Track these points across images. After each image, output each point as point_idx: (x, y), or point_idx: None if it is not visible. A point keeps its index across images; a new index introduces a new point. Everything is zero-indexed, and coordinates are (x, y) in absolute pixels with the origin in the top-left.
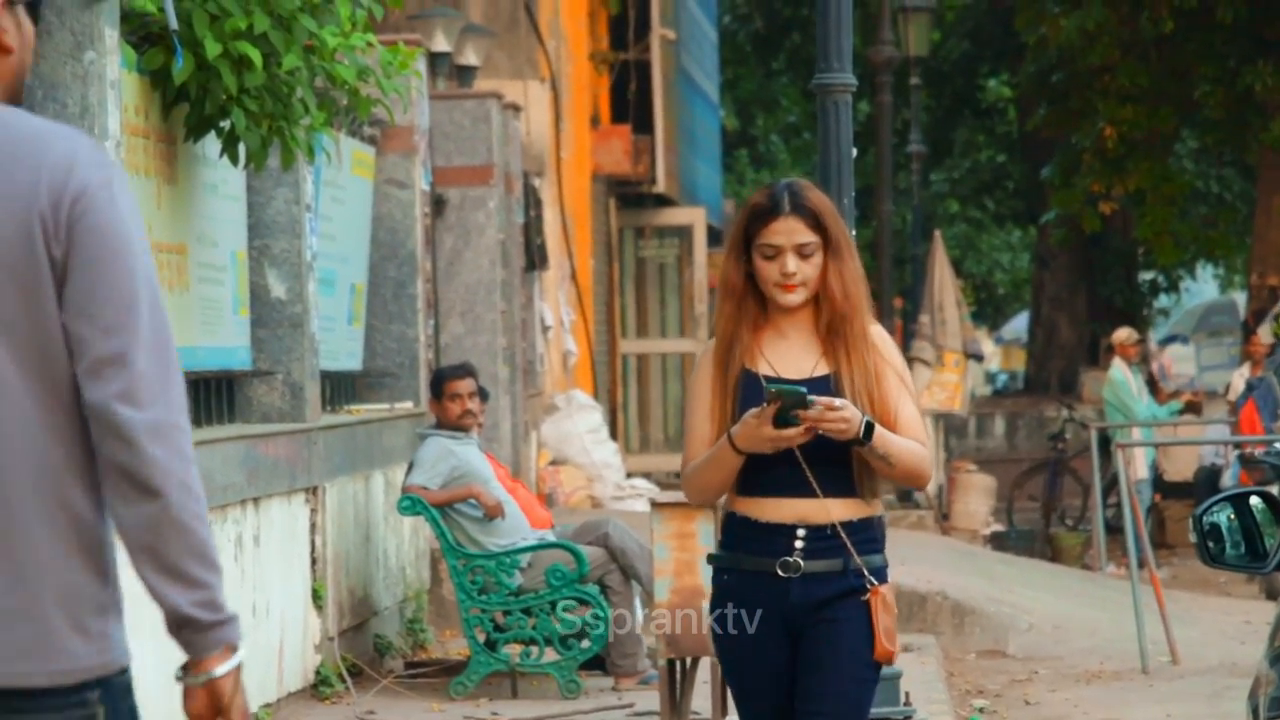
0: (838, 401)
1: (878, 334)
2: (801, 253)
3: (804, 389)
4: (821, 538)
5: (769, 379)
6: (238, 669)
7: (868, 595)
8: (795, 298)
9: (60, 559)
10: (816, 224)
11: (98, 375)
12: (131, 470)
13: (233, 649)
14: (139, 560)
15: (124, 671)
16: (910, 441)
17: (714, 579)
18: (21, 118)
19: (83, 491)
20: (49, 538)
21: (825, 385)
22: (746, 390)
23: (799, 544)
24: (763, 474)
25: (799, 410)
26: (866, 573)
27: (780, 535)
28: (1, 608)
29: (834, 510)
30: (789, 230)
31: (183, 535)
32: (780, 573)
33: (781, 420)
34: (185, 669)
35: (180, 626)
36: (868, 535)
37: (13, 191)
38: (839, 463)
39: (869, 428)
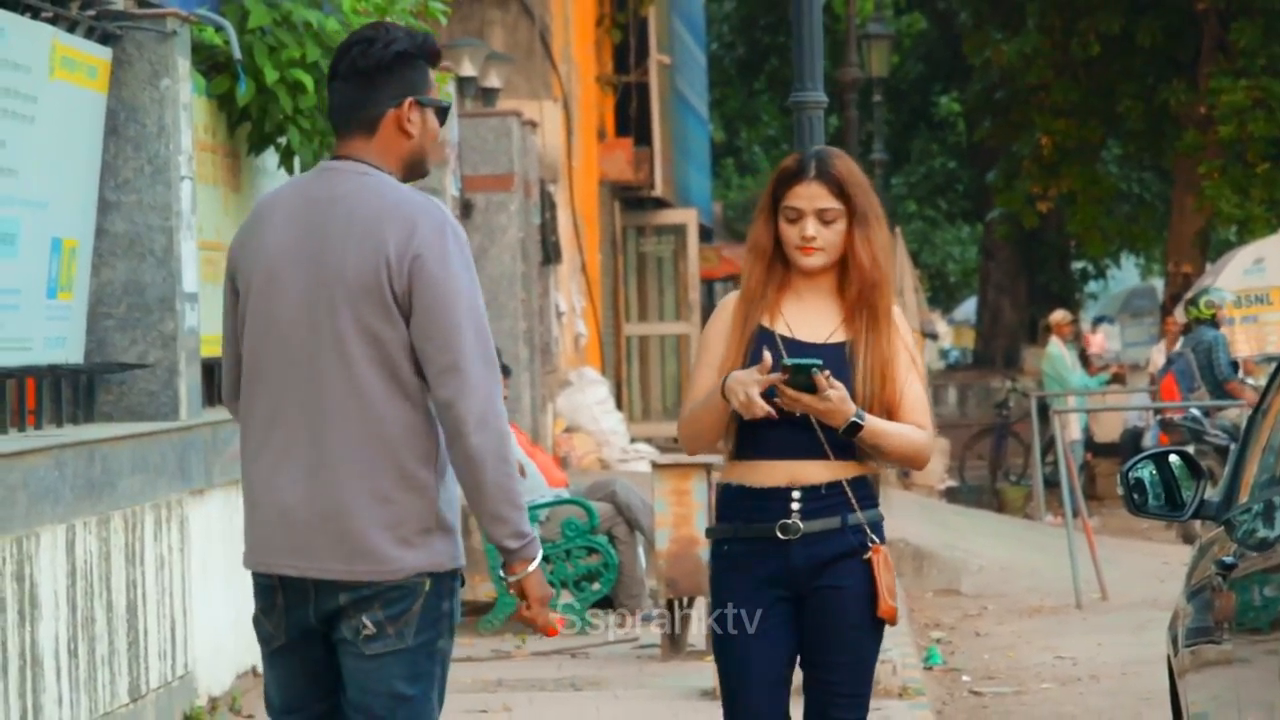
0: (834, 394)
1: (894, 313)
2: (823, 218)
3: (819, 362)
4: (816, 497)
5: (791, 349)
6: (536, 571)
7: (869, 554)
8: (813, 261)
9: (386, 497)
10: (840, 192)
11: (440, 381)
12: (463, 448)
13: (530, 561)
14: (472, 504)
15: (449, 574)
16: (907, 427)
17: (712, 552)
18: (395, 189)
19: (409, 455)
20: (386, 483)
21: (840, 352)
22: (759, 346)
23: (795, 505)
24: (756, 436)
25: (819, 377)
26: (869, 529)
27: (776, 499)
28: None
29: (838, 470)
30: (811, 195)
31: (498, 491)
32: (780, 535)
33: (793, 388)
34: (506, 572)
35: (501, 549)
36: (864, 492)
37: (373, 245)
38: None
39: (854, 426)
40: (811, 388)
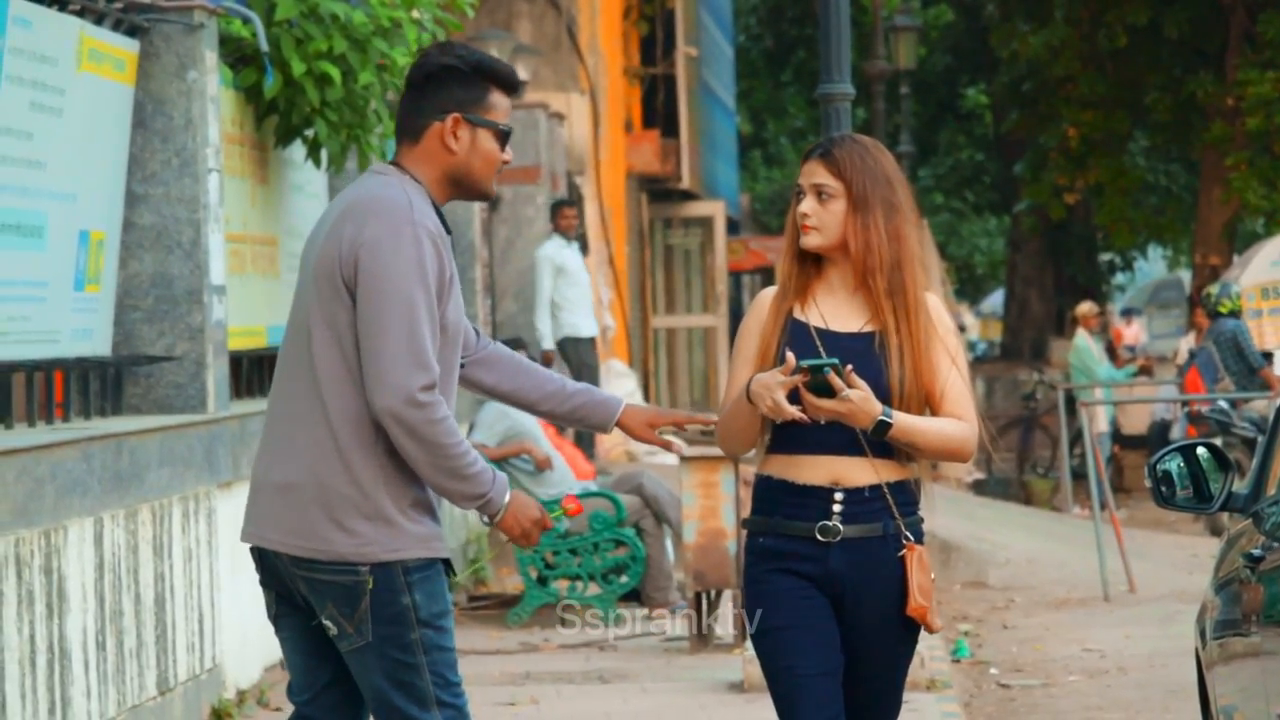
0: (855, 394)
1: (933, 305)
2: (819, 196)
3: (835, 361)
4: (859, 500)
5: (824, 340)
6: (510, 513)
7: (903, 551)
8: (809, 239)
9: (321, 480)
10: (839, 172)
11: (365, 372)
12: (394, 431)
13: (497, 510)
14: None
15: (396, 566)
16: (944, 421)
17: (749, 544)
18: (385, 186)
19: (349, 441)
20: (324, 466)
21: (869, 342)
22: (793, 336)
23: (837, 507)
24: (796, 429)
25: (835, 378)
26: (910, 538)
27: (817, 497)
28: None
29: (882, 470)
30: (810, 172)
31: (432, 471)
32: (820, 537)
33: (813, 390)
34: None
35: (467, 509)
36: (905, 497)
37: (336, 233)
38: None
39: (882, 425)
40: (830, 390)
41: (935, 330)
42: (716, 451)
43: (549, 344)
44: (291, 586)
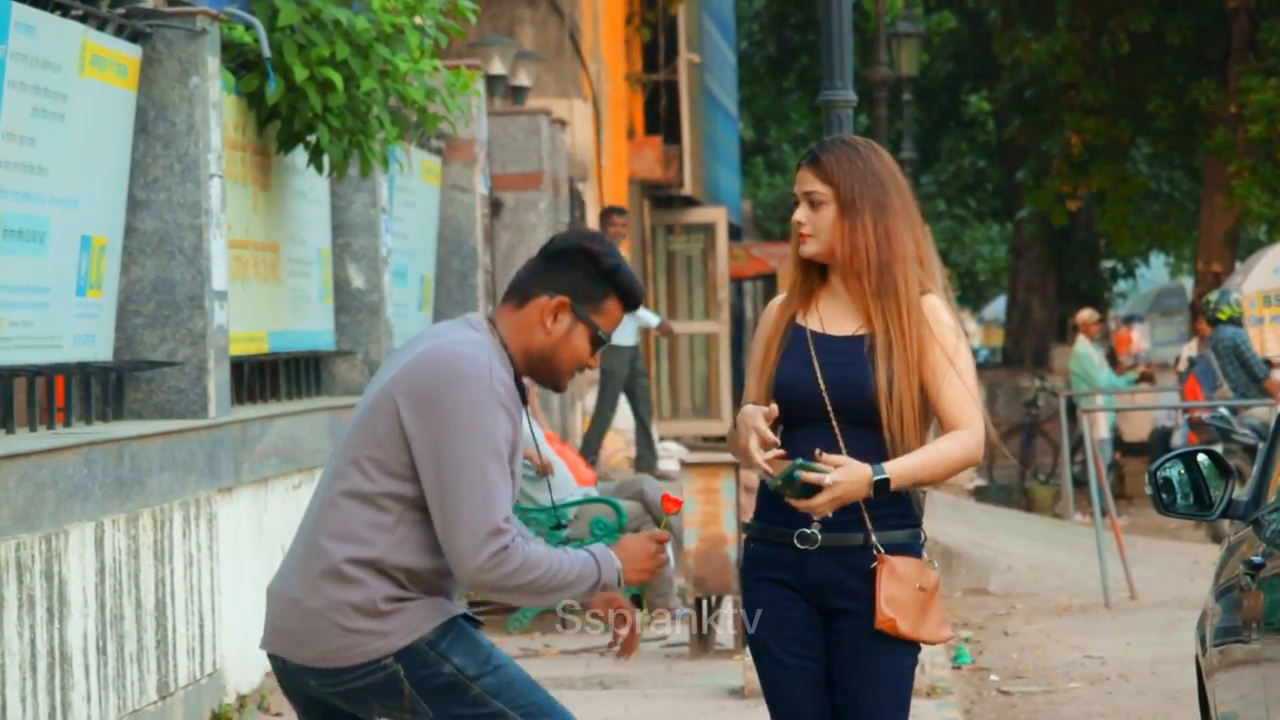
0: (828, 478)
1: (930, 306)
2: (811, 202)
3: (798, 461)
4: (841, 510)
5: (818, 344)
6: (621, 576)
7: (874, 564)
8: (806, 247)
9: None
10: (827, 177)
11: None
12: (490, 595)
13: (616, 578)
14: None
15: (418, 644)
16: (944, 446)
17: (745, 548)
18: (459, 340)
19: (346, 550)
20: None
21: (860, 345)
22: (790, 342)
23: (816, 515)
24: (791, 435)
25: (808, 474)
26: (881, 550)
27: None
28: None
29: None
30: (801, 180)
31: (545, 597)
32: (797, 544)
33: (801, 494)
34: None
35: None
36: (895, 510)
37: (412, 382)
38: (872, 427)
39: (881, 484)
40: (810, 490)
41: (930, 331)
42: (718, 458)
43: None
44: (325, 699)
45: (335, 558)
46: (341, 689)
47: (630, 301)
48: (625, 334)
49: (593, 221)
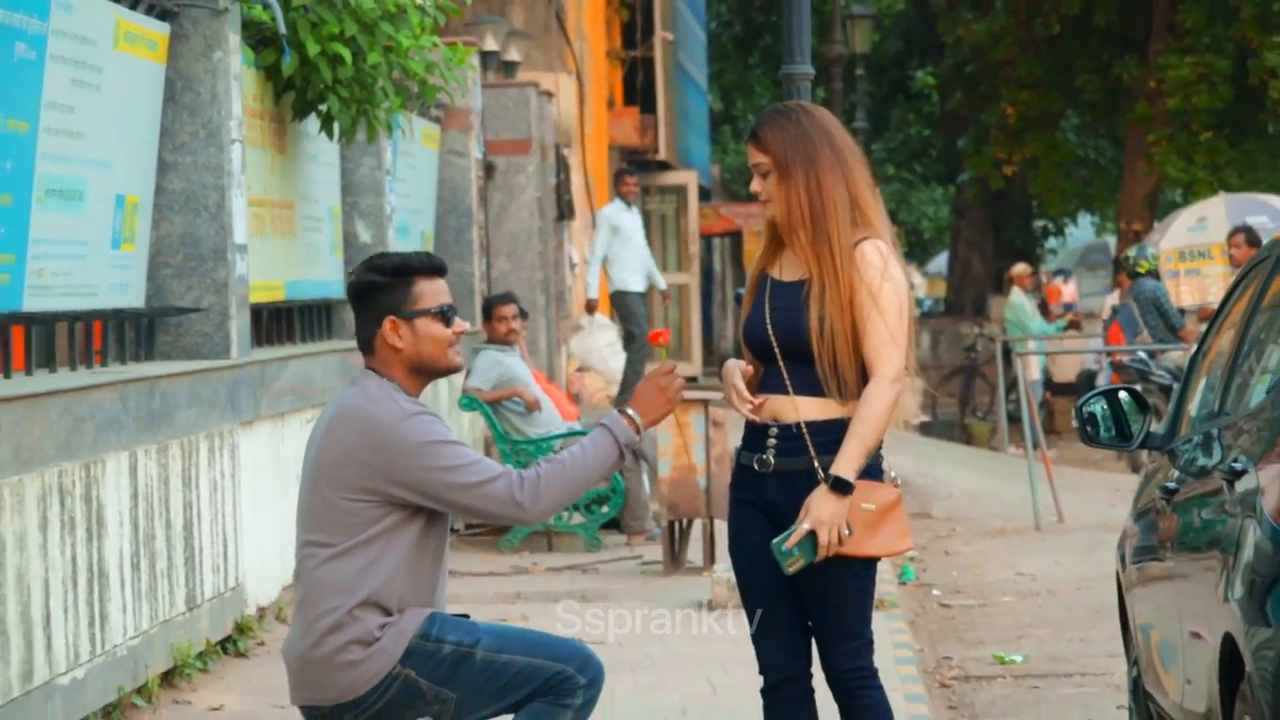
0: (808, 522)
1: (861, 251)
2: (760, 172)
3: (773, 543)
4: (790, 436)
5: (774, 289)
6: (642, 419)
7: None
8: (767, 211)
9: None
10: (764, 147)
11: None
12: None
13: (639, 431)
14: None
15: (408, 655)
16: (863, 408)
17: (732, 473)
18: (362, 402)
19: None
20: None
21: (799, 289)
22: (759, 291)
23: (771, 441)
24: (761, 375)
25: (788, 541)
26: (824, 474)
27: (761, 432)
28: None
29: (803, 409)
30: (749, 154)
31: (588, 487)
32: (756, 468)
33: (810, 553)
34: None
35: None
36: (836, 436)
37: (337, 443)
38: (808, 361)
39: (842, 484)
40: (808, 543)
41: (859, 276)
42: (689, 395)
43: (594, 294)
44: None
45: (335, 611)
46: (372, 712)
47: (430, 269)
48: (636, 280)
49: (576, 183)
